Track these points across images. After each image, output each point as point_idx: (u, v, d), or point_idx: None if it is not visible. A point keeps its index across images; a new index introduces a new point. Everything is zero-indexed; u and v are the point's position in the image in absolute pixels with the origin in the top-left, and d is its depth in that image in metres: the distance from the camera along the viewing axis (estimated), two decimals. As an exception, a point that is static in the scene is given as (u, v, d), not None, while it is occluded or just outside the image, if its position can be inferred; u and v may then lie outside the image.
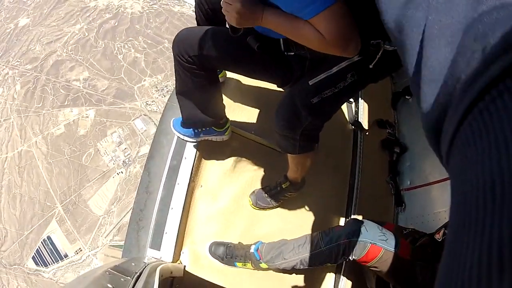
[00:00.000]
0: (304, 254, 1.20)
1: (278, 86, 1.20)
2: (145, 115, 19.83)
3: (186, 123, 1.40)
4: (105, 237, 18.05)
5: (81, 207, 18.58)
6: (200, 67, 1.12)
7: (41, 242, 18.52)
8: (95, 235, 18.13)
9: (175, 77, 1.20)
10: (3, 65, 22.08)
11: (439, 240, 1.08)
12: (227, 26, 0.95)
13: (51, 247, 18.46)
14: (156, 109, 19.48)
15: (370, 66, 0.94)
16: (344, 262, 1.36)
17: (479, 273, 0.15)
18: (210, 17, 1.31)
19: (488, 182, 0.16)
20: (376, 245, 1.04)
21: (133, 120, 19.76)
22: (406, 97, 1.83)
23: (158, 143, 1.57)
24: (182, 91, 1.24)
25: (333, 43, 0.81)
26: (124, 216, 17.96)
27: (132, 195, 17.62)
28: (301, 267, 1.22)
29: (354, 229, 1.08)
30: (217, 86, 1.29)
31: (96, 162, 18.91)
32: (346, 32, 0.79)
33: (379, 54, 0.90)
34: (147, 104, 20.04)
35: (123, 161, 18.74)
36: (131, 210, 1.50)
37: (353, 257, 1.07)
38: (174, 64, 1.15)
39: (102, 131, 19.37)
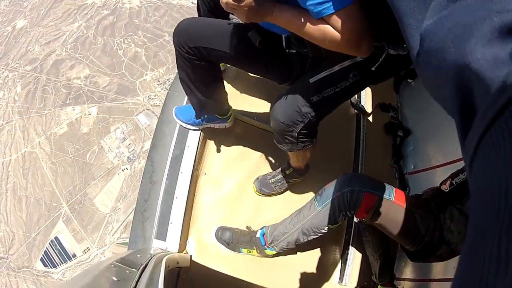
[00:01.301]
0: (302, 221, 1.17)
1: (277, 83, 1.19)
2: (148, 109, 19.82)
3: (194, 109, 1.40)
4: (112, 235, 18.09)
5: (87, 206, 18.78)
6: (199, 58, 1.11)
7: (49, 243, 18.51)
8: (102, 233, 18.21)
9: (177, 65, 1.19)
10: (2, 68, 22.15)
11: (446, 190, 1.06)
12: (231, 19, 0.97)
13: (59, 248, 18.46)
14: (159, 103, 19.46)
15: (372, 69, 0.94)
16: (349, 243, 1.40)
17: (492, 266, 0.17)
18: (212, 9, 1.28)
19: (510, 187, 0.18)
20: (369, 192, 1.00)
21: (136, 115, 19.75)
22: (408, 80, 1.82)
23: (160, 133, 1.56)
24: (183, 79, 1.23)
25: (348, 42, 0.80)
26: (131, 213, 18.09)
27: (138, 191, 17.13)
28: (304, 239, 1.18)
29: (344, 181, 1.05)
30: (218, 75, 1.28)
31: (100, 160, 18.93)
32: (362, 31, 0.79)
33: (382, 57, 0.89)
34: (150, 98, 20.03)
35: (128, 157, 18.78)
36: (136, 201, 1.49)
37: (351, 210, 1.03)
38: (175, 53, 1.14)
39: (105, 128, 19.37)
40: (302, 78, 1.06)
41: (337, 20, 0.78)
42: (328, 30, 0.81)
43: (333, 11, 0.76)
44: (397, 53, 0.88)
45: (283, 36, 1.04)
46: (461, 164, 1.16)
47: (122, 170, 18.52)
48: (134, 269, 0.92)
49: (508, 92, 0.20)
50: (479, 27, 0.26)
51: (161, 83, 19.84)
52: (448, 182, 1.06)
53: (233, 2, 0.82)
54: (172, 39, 1.12)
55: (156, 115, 19.25)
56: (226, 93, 1.40)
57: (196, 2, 1.34)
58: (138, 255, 1.10)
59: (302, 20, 0.83)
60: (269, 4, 0.85)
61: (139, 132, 19.34)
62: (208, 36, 1.07)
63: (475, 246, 0.19)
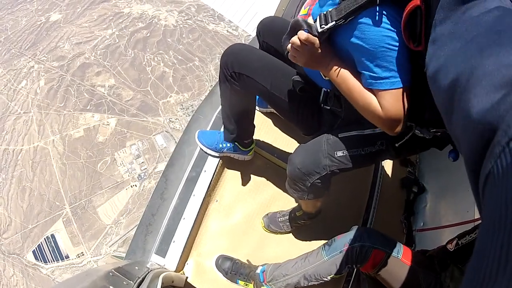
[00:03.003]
0: (306, 267, 1.18)
1: (302, 133, 1.20)
2: (167, 131, 19.89)
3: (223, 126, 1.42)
4: (109, 247, 17.99)
5: (90, 213, 18.85)
6: (239, 86, 1.13)
7: (44, 238, 18.47)
8: (100, 242, 18.14)
9: (219, 83, 1.22)
10: (29, 58, 22.28)
11: (451, 250, 1.07)
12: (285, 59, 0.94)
13: (53, 245, 18.44)
14: (179, 127, 19.48)
15: (396, 145, 0.96)
16: (350, 281, 1.37)
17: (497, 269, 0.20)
18: (264, 49, 1.32)
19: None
20: (379, 249, 1.03)
21: (154, 135, 19.81)
22: None
23: (179, 152, 1.57)
24: (222, 97, 1.26)
25: (388, 120, 0.81)
26: (132, 229, 18.13)
27: (143, 210, 17.07)
28: (305, 283, 1.19)
29: (356, 235, 1.07)
30: (251, 107, 1.31)
31: (111, 171, 19.00)
32: (403, 114, 0.80)
33: (408, 136, 0.92)
34: (170, 121, 20.08)
35: (139, 175, 18.83)
36: (143, 213, 1.51)
37: (357, 264, 1.06)
38: (219, 72, 1.17)
39: (121, 141, 19.44)
40: (333, 132, 1.06)
41: (385, 98, 0.79)
42: (373, 103, 0.82)
43: (386, 88, 0.78)
44: (423, 136, 0.89)
45: (323, 90, 1.06)
46: (469, 226, 1.18)
47: (131, 186, 18.58)
48: (131, 281, 0.93)
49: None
50: None
51: (184, 108, 19.88)
52: (454, 242, 1.06)
53: (299, 44, 0.84)
54: (221, 55, 1.15)
55: (174, 139, 19.39)
56: (254, 126, 1.42)
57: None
58: (136, 267, 1.12)
59: (353, 83, 0.84)
60: (330, 55, 0.86)
61: (154, 153, 19.39)
62: (255, 67, 1.09)
63: (481, 255, 0.22)
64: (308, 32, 0.84)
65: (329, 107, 1.06)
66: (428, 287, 1.01)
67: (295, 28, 0.86)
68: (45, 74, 21.33)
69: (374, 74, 0.79)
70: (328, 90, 1.05)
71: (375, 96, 0.82)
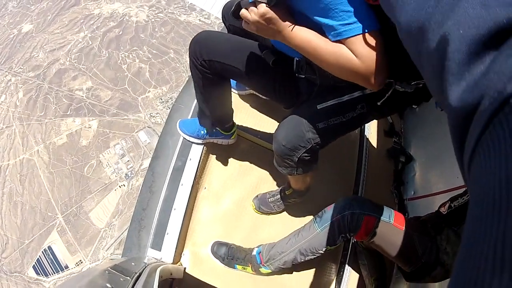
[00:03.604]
0: (300, 242, 1.19)
1: (283, 107, 1.19)
2: (149, 127, 19.77)
3: (198, 117, 1.41)
4: (106, 250, 18.00)
5: (82, 219, 18.90)
6: (211, 73, 1.12)
7: (42, 251, 18.42)
8: (96, 247, 18.31)
9: (191, 73, 1.21)
10: (5, 72, 22.16)
11: (444, 213, 1.07)
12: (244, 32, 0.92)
13: (52, 258, 18.42)
14: (160, 122, 19.38)
15: (378, 103, 0.94)
16: (345, 265, 1.39)
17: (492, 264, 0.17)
18: (231, 32, 1.31)
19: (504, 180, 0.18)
20: (370, 215, 1.04)
21: (137, 132, 19.70)
22: (413, 106, 1.86)
23: (163, 144, 1.57)
24: (195, 86, 1.25)
25: (367, 69, 0.77)
26: (126, 229, 17.94)
27: (134, 209, 17.22)
28: (301, 258, 1.20)
29: (345, 204, 1.08)
30: (226, 91, 1.29)
31: (98, 174, 18.93)
32: (382, 61, 0.76)
33: (389, 92, 0.89)
34: (151, 116, 19.96)
35: (126, 174, 18.78)
36: (134, 208, 1.50)
37: (350, 232, 1.07)
38: (189, 63, 1.16)
39: (105, 143, 19.33)
40: (309, 104, 1.05)
41: (358, 44, 0.75)
42: (344, 53, 0.77)
43: (356, 33, 0.74)
44: (404, 90, 0.87)
45: (295, 59, 1.04)
46: (461, 191, 1.18)
47: (119, 187, 18.51)
48: (128, 277, 0.94)
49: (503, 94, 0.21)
50: None
51: (163, 101, 19.78)
52: (447, 205, 1.06)
53: (251, 19, 0.82)
54: (188, 45, 1.13)
55: (157, 133, 19.31)
56: (232, 110, 1.40)
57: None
58: (133, 263, 1.12)
59: (317, 42, 0.81)
60: (287, 21, 0.82)
61: (138, 150, 19.26)
62: (223, 50, 1.08)
63: (471, 248, 0.19)
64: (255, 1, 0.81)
65: (304, 76, 1.04)
66: (425, 251, 1.01)
67: (239, 6, 0.85)
68: (23, 85, 21.24)
69: (339, 22, 0.75)
70: (299, 58, 1.03)
71: (348, 47, 0.78)
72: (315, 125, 1.00)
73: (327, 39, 0.80)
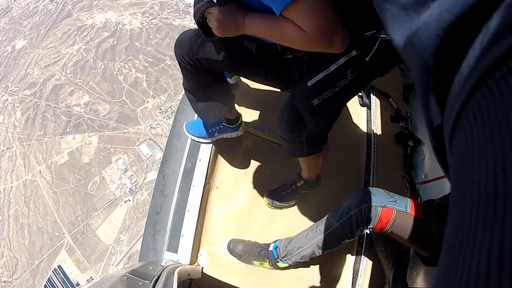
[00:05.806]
0: (318, 237, 1.21)
1: (281, 90, 1.22)
2: (150, 139, 19.70)
3: (201, 117, 1.49)
4: (116, 266, 18.03)
5: (90, 237, 19.19)
6: (202, 70, 1.17)
7: (52, 271, 18.73)
8: (106, 264, 18.31)
9: (182, 75, 1.25)
10: (2, 91, 22.11)
11: None
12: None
13: (63, 276, 18.72)
14: (161, 132, 19.09)
15: (366, 59, 0.93)
16: (362, 253, 1.44)
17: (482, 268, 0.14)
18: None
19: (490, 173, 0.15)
20: (387, 207, 1.07)
21: (138, 145, 19.65)
22: None
23: (171, 146, 1.64)
24: (188, 88, 1.29)
25: (315, 37, 0.76)
26: (134, 244, 18.34)
27: (141, 223, 17.48)
28: (319, 252, 1.23)
29: (362, 196, 1.11)
30: (223, 83, 1.34)
31: (102, 191, 18.91)
32: (327, 23, 0.75)
33: (376, 45, 0.87)
34: (152, 127, 19.91)
35: (130, 189, 18.87)
36: (147, 214, 1.55)
37: (369, 226, 1.10)
38: (179, 65, 1.21)
39: (107, 158, 19.24)
40: (300, 83, 1.07)
41: (296, 14, 0.74)
42: (296, 29, 0.77)
43: (287, 3, 0.72)
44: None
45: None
46: None
47: (125, 202, 18.58)
48: (146, 281, 0.98)
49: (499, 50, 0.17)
50: None
51: (162, 111, 19.67)
52: None
53: (215, 23, 0.86)
54: (174, 50, 1.18)
55: (159, 145, 19.32)
56: (233, 101, 1.44)
57: None
58: (150, 267, 1.18)
59: (273, 24, 0.82)
60: (240, 15, 0.85)
61: (141, 163, 19.23)
62: (206, 47, 1.10)
63: (457, 252, 0.16)
64: (210, 6, 0.86)
65: (290, 56, 1.04)
66: (441, 235, 1.04)
67: (197, 12, 0.90)
68: (20, 104, 21.22)
69: None
70: None
71: (292, 20, 0.77)
72: (310, 103, 1.01)
73: (277, 19, 0.79)
